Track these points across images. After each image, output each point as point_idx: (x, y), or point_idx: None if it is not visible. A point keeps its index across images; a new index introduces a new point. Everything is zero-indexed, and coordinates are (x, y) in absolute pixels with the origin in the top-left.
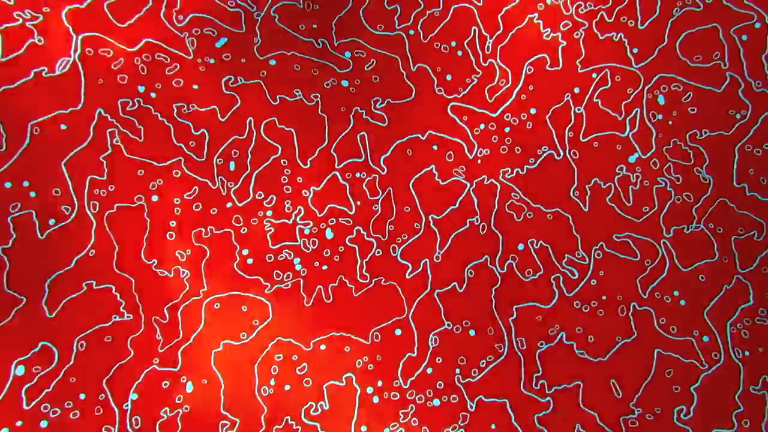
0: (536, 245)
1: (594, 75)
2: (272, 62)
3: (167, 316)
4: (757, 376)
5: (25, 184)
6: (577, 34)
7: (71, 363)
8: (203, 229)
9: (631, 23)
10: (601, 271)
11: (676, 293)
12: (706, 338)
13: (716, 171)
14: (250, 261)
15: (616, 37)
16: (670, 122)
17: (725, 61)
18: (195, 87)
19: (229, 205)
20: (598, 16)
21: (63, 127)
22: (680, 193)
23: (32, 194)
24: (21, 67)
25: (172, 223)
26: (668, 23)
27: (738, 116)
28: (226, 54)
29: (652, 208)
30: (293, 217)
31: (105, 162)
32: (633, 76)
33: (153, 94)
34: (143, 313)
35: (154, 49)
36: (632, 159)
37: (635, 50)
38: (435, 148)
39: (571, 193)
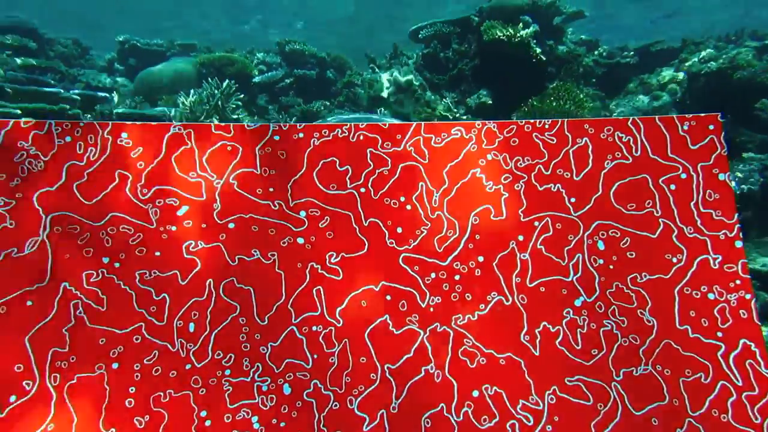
0: (491, 391)
1: (536, 223)
2: (231, 225)
3: None
4: None
5: None
6: (517, 186)
7: None
8: (162, 393)
9: (567, 175)
10: (555, 417)
11: None
12: None
13: (659, 313)
14: (208, 423)
15: (554, 188)
16: (611, 266)
17: (657, 209)
18: (157, 254)
19: (188, 366)
20: (536, 169)
21: (29, 303)
22: (626, 335)
23: None
24: None
25: (132, 389)
26: (601, 174)
27: (674, 260)
28: (187, 221)
29: (601, 351)
30: (251, 375)
31: (68, 334)
32: (573, 223)
33: (116, 264)
34: None
35: (119, 221)
36: (578, 302)
37: (573, 199)
38: (389, 298)
39: (522, 338)
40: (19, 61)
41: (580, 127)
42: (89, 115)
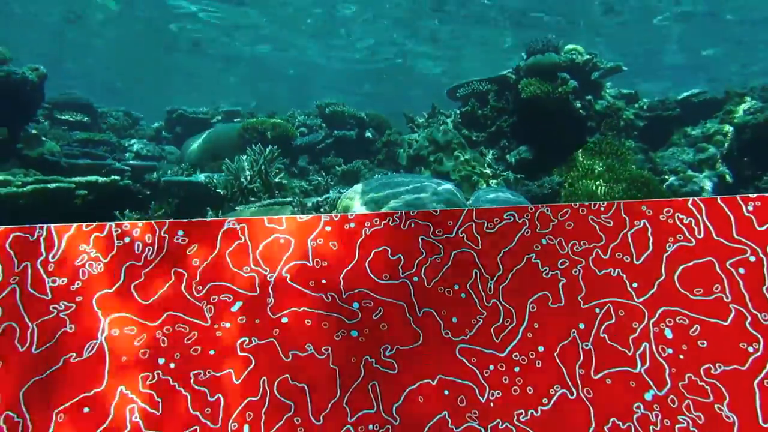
0: None
1: (597, 310)
2: (284, 320)
3: None
4: None
5: None
6: (575, 271)
7: None
8: None
9: (627, 259)
10: None
11: None
12: None
13: (739, 409)
14: None
15: (614, 273)
16: (681, 356)
17: (727, 294)
18: (211, 353)
19: None
20: (594, 253)
21: (86, 410)
22: None
23: None
24: (52, 356)
25: None
26: (663, 258)
27: (750, 349)
28: (241, 317)
29: None
30: None
31: None
32: (637, 310)
33: (172, 365)
34: None
35: (174, 320)
36: (648, 396)
37: (635, 284)
38: (446, 392)
39: None
40: (74, 135)
41: (638, 209)
42: (138, 185)
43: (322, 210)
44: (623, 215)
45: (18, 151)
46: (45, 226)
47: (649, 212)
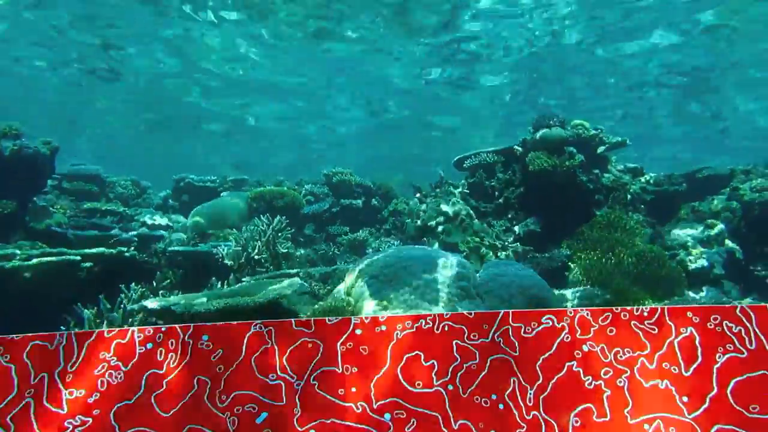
0: None
1: (646, 426)
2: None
3: None
4: None
5: None
6: (620, 382)
7: None
8: None
9: (675, 369)
10: None
11: None
12: None
13: None
14: None
15: (662, 385)
16: None
17: None
18: None
19: None
20: (639, 363)
21: None
22: None
23: None
24: None
25: None
26: (714, 369)
27: None
28: (266, 429)
29: None
30: None
31: None
32: (688, 427)
33: None
34: None
35: None
36: None
37: (685, 398)
38: None
39: None
40: (82, 205)
41: (683, 316)
42: (144, 255)
43: (329, 282)
44: (668, 321)
45: (25, 223)
46: (65, 333)
47: (695, 319)
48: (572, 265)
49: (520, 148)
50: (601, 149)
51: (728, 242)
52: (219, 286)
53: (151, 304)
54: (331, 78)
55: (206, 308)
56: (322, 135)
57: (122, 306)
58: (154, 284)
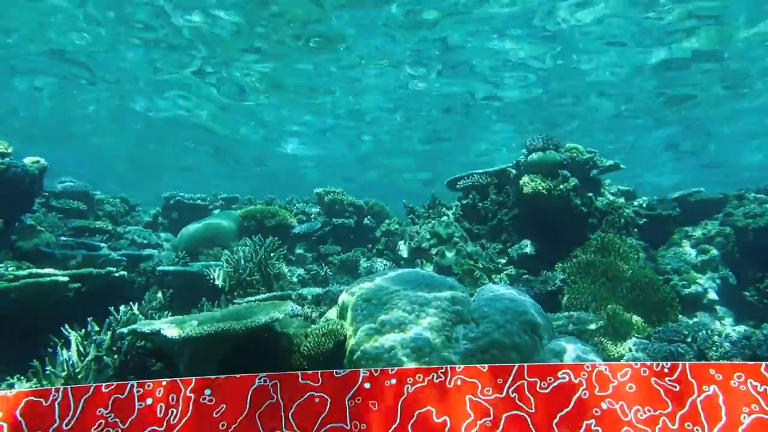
0: None
1: None
2: None
3: None
4: None
5: None
6: None
7: None
8: None
9: (698, 430)
10: None
11: None
12: None
13: None
14: None
15: None
16: None
17: None
18: None
19: None
20: (660, 422)
21: None
22: None
23: None
24: None
25: None
26: (739, 431)
27: None
28: None
29: None
30: None
31: None
32: None
33: None
34: None
35: None
36: None
37: None
38: None
39: None
40: (70, 223)
41: (705, 373)
42: (133, 274)
43: (322, 305)
44: (690, 379)
45: (12, 242)
46: (61, 388)
47: (718, 377)
48: (566, 289)
49: (513, 170)
50: (594, 172)
51: (722, 268)
52: (209, 306)
53: (141, 327)
54: None
55: (198, 332)
56: None
57: (111, 328)
58: (144, 304)
